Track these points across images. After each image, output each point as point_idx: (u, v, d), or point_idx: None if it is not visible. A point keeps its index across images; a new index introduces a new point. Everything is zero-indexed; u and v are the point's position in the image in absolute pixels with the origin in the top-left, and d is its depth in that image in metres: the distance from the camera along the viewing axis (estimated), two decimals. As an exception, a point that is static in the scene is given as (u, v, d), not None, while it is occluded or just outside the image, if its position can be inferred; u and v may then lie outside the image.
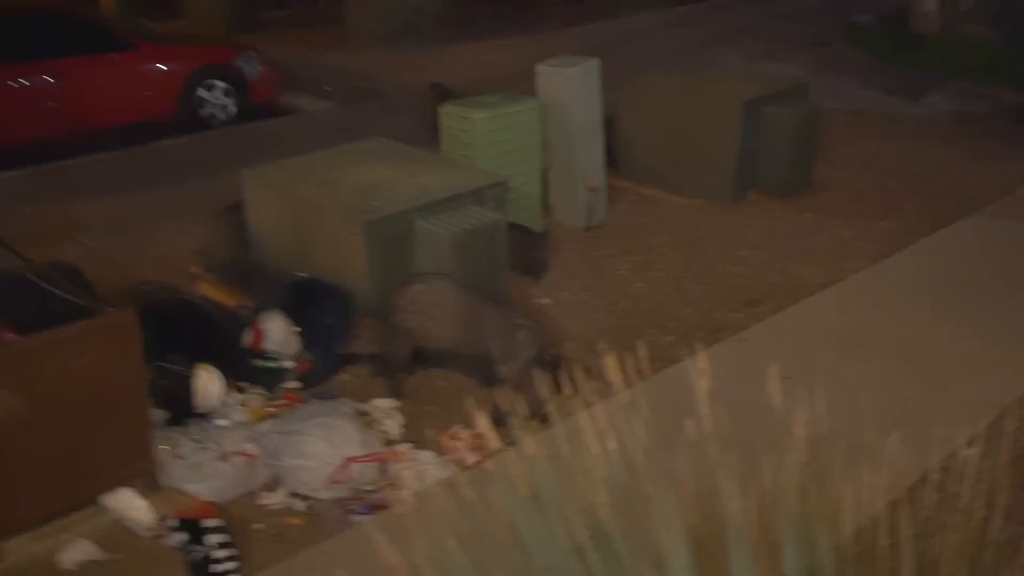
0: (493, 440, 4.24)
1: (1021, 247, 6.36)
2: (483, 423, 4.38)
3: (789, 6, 15.93)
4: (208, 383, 4.37)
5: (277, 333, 4.74)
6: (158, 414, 4.16)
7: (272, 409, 4.48)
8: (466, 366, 4.88)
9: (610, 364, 2.03)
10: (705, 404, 1.98)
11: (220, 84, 9.53)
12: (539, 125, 6.45)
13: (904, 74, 11.61)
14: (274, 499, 3.95)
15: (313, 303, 4.85)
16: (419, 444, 4.27)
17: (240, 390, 4.55)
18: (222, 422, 4.32)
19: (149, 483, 3.84)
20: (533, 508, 2.00)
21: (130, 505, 3.73)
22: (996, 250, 6.34)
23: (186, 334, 4.41)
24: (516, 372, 4.45)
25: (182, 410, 4.27)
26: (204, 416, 4.33)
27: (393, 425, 4.39)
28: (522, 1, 16.34)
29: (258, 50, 10.16)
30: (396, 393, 4.68)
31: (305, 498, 3.95)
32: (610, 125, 7.08)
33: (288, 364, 4.84)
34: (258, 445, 4.09)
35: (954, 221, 6.84)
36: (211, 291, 4.83)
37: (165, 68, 9.28)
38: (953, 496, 2.84)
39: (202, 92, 9.43)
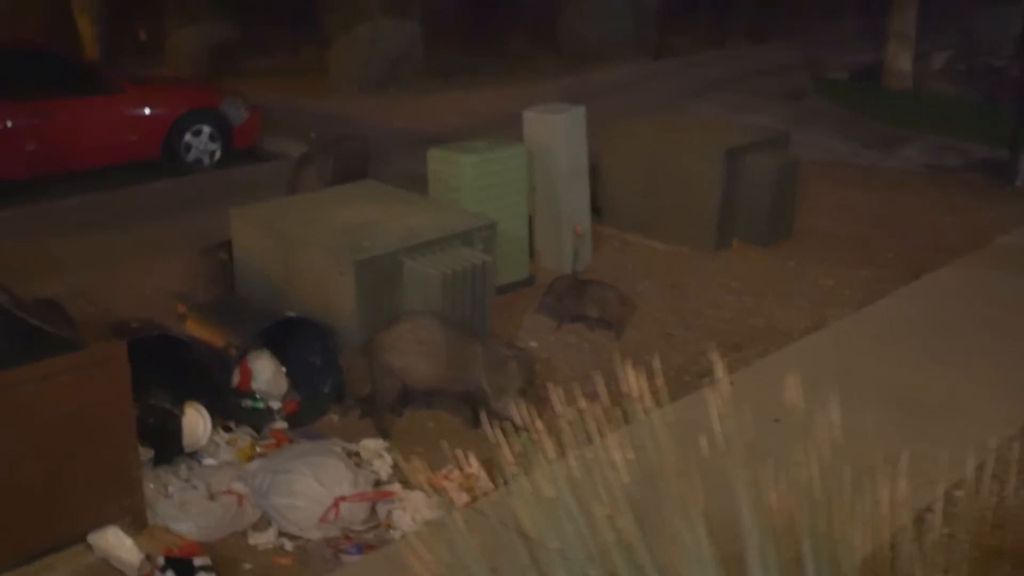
0: (484, 480, 4.21)
1: (1000, 295, 6.45)
2: (473, 463, 4.33)
3: (764, 61, 16.25)
4: (195, 421, 4.33)
5: (265, 373, 4.72)
6: (144, 452, 4.11)
7: (260, 449, 4.45)
8: (454, 404, 4.88)
9: (631, 380, 2.03)
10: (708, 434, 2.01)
11: (206, 129, 9.55)
12: (526, 170, 6.50)
13: (878, 128, 11.84)
14: (263, 539, 3.89)
15: (301, 342, 4.83)
16: (409, 484, 4.24)
17: (227, 429, 4.51)
18: (209, 461, 4.27)
19: (136, 522, 3.78)
20: (534, 544, 2.00)
21: (117, 544, 3.66)
22: (976, 298, 6.43)
23: (173, 372, 4.37)
24: (508, 405, 4.45)
25: (169, 448, 4.22)
26: (191, 455, 4.28)
27: (383, 465, 4.36)
28: (502, 52, 16.57)
29: (243, 94, 10.21)
30: (383, 433, 4.65)
31: (295, 538, 3.91)
32: (593, 172, 7.15)
33: (276, 404, 4.82)
34: (247, 484, 4.04)
35: (933, 270, 6.95)
36: (198, 330, 4.80)
37: (151, 111, 9.31)
38: (944, 538, 2.84)
39: (188, 138, 9.45)
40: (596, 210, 7.37)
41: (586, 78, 14.59)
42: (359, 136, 8.78)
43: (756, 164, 7.23)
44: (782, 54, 16.96)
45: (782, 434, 2.30)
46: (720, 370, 2.19)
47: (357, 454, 4.41)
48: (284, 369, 4.93)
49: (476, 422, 4.68)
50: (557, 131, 6.59)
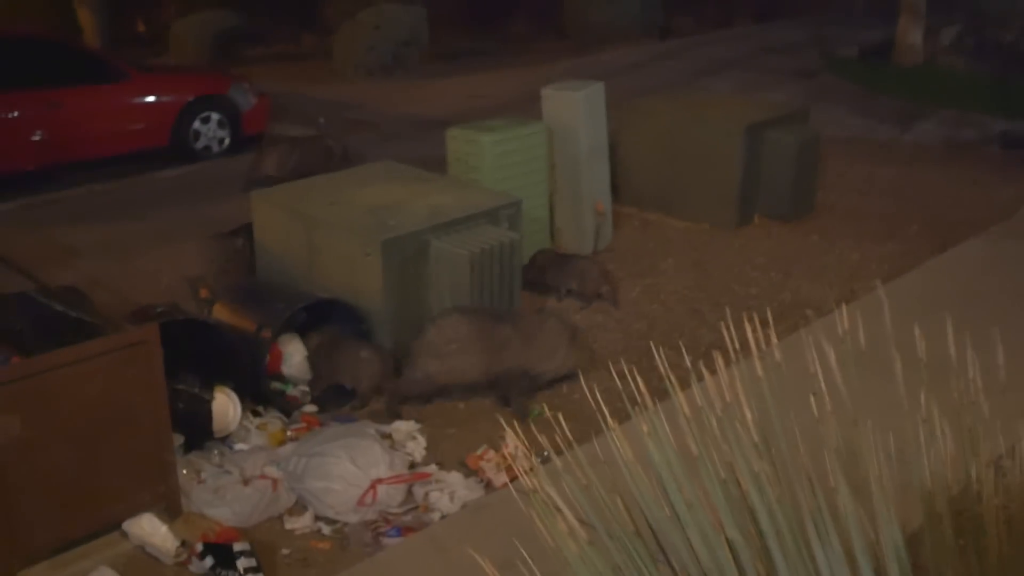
0: (522, 459, 4.13)
1: (1027, 266, 6.37)
2: (510, 443, 4.24)
3: (772, 40, 16.11)
4: (225, 406, 4.26)
5: (296, 356, 4.63)
6: (175, 438, 4.03)
7: (291, 432, 4.36)
8: (491, 390, 4.79)
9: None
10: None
11: (215, 116, 9.45)
12: (545, 149, 6.40)
13: (892, 103, 11.72)
14: (300, 523, 3.81)
15: (331, 325, 4.74)
16: (445, 465, 4.16)
17: (256, 414, 4.43)
18: (241, 446, 4.19)
19: (171, 508, 3.70)
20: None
21: (152, 531, 3.59)
22: (1005, 270, 6.33)
23: (201, 357, 4.29)
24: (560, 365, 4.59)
25: (200, 434, 4.15)
26: (222, 440, 4.20)
27: (416, 447, 4.28)
28: (507, 36, 16.44)
29: (251, 81, 10.10)
30: (393, 415, 4.56)
31: (332, 522, 3.83)
32: (611, 151, 7.05)
33: (304, 388, 4.74)
34: (280, 468, 3.96)
35: (958, 243, 6.85)
36: (226, 314, 4.71)
37: (159, 98, 9.20)
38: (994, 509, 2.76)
39: (197, 125, 9.34)
40: (615, 189, 7.27)
41: (593, 60, 14.47)
42: (325, 130, 8.66)
43: (777, 140, 7.12)
44: (790, 32, 16.82)
45: (818, 405, 2.22)
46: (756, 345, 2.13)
47: (390, 436, 4.33)
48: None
49: (507, 403, 4.62)
50: (577, 108, 6.48)
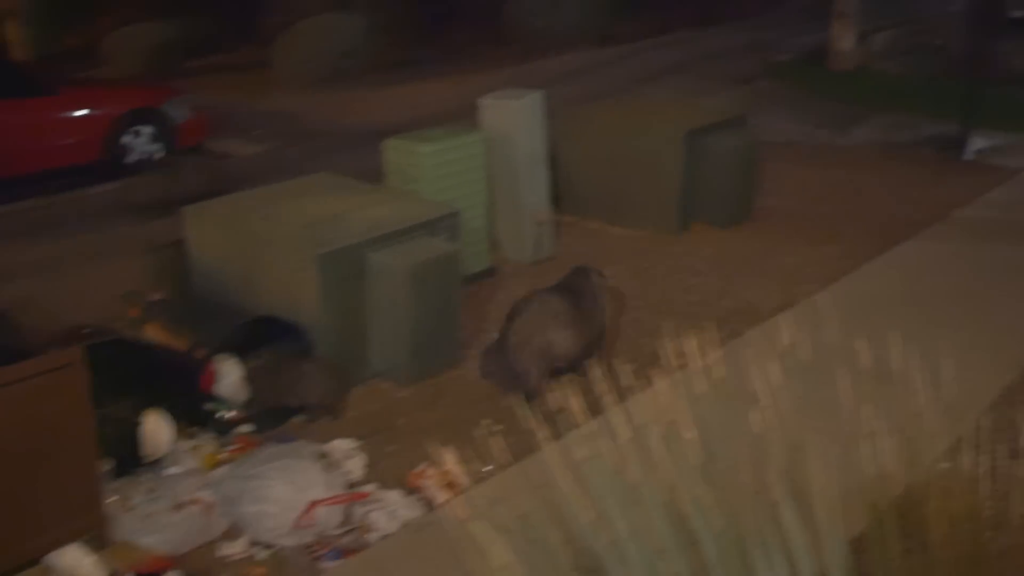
0: (462, 476, 4.05)
1: (964, 266, 6.46)
2: (450, 460, 4.17)
3: (710, 46, 16.26)
4: (157, 429, 4.12)
5: (230, 376, 4.51)
6: (104, 464, 3.90)
7: (225, 454, 4.25)
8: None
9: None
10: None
11: (147, 129, 9.25)
12: (484, 158, 6.35)
13: (829, 108, 11.88)
14: (235, 548, 3.70)
15: (270, 342, 4.63)
16: (385, 484, 4.08)
17: (190, 436, 4.30)
18: (173, 470, 4.06)
19: (98, 538, 3.57)
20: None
21: (78, 563, 3.45)
22: (941, 270, 6.43)
23: (131, 378, 4.16)
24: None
25: (129, 459, 4.01)
26: (153, 464, 4.07)
27: (355, 466, 4.19)
28: (448, 44, 16.37)
29: (186, 94, 9.91)
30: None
31: (268, 546, 3.72)
32: (551, 160, 7.02)
33: (237, 410, 4.61)
34: (214, 492, 3.85)
35: (895, 245, 6.94)
36: (158, 333, 4.59)
37: (87, 113, 8.97)
38: (938, 511, 2.76)
39: (127, 139, 9.14)
40: (556, 198, 7.25)
41: (534, 67, 14.47)
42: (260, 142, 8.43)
43: (716, 145, 7.16)
44: (727, 39, 16.99)
45: (761, 415, 2.21)
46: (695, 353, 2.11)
47: (328, 455, 4.23)
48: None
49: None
50: (515, 117, 6.45)
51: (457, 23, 17.39)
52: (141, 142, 9.27)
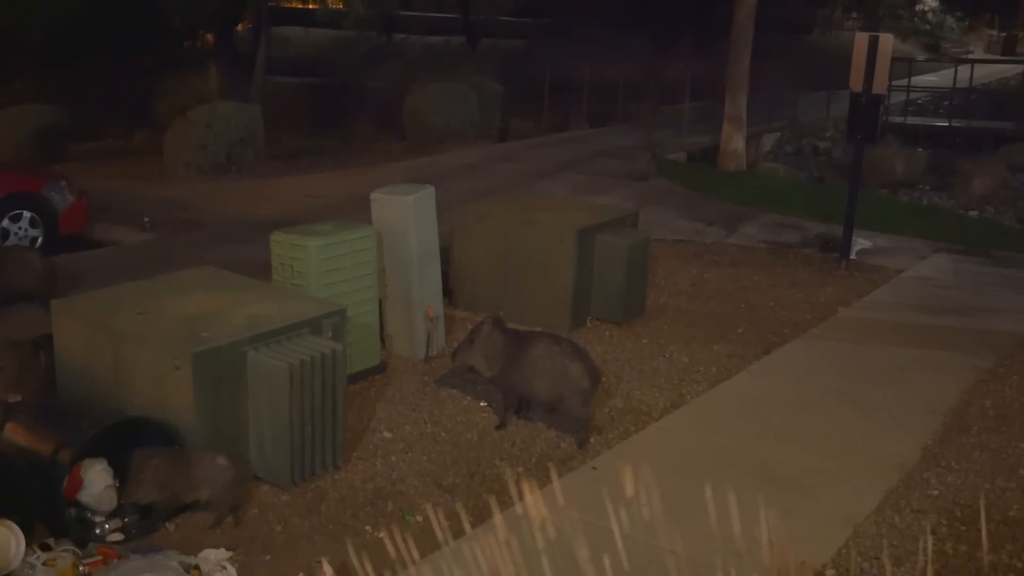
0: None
1: (848, 367, 6.59)
2: (327, 570, 3.97)
3: (605, 144, 16.66)
4: (6, 541, 3.81)
5: (97, 482, 4.23)
6: (-56, 582, 3.58)
7: (83, 568, 3.94)
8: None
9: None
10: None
11: (27, 215, 8.90)
12: (375, 253, 6.26)
13: (719, 207, 12.20)
14: (85, 676, 3.41)
15: (138, 445, 4.36)
16: (256, 599, 3.85)
17: (45, 547, 3.99)
18: (22, 587, 3.75)
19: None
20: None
21: None
22: (826, 370, 6.54)
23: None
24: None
25: (-27, 576, 3.69)
26: (1, 581, 3.76)
27: (226, 579, 3.94)
28: (346, 136, 16.40)
29: (68, 179, 9.60)
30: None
31: (123, 672, 3.44)
32: (444, 255, 6.98)
33: (101, 519, 4.32)
34: (66, 612, 3.56)
35: (783, 343, 7.06)
36: (20, 434, 4.28)
37: (-38, 196, 8.60)
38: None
39: (6, 223, 8.77)
40: (448, 293, 7.19)
41: (432, 161, 14.56)
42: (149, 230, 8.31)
43: (607, 243, 7.22)
44: (622, 137, 17.44)
45: (646, 521, 2.15)
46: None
47: (197, 567, 3.97)
48: (118, 481, 4.42)
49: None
50: (406, 212, 6.39)
51: (357, 115, 17.48)
52: (21, 227, 8.90)
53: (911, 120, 18.73)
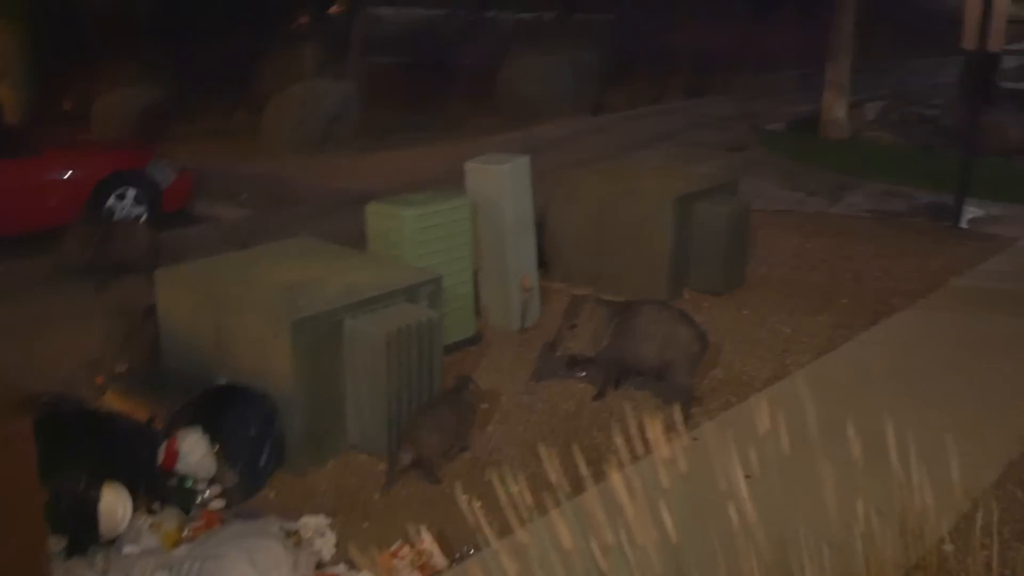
0: (438, 556, 3.81)
1: (960, 337, 6.30)
2: (426, 538, 3.93)
3: (701, 115, 16.32)
4: (114, 505, 3.89)
5: (194, 451, 4.28)
6: (57, 542, 3.67)
7: (188, 531, 4.01)
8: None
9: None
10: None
11: (131, 192, 9.13)
12: (470, 223, 6.20)
13: (820, 176, 11.83)
14: (191, 635, 3.45)
15: (234, 412, 4.41)
16: (356, 564, 3.84)
17: (151, 511, 4.07)
18: (130, 549, 3.82)
19: (43, 623, 3.32)
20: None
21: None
22: (937, 341, 6.26)
23: (89, 449, 3.94)
24: None
25: (85, 537, 3.77)
26: (110, 542, 3.83)
27: (325, 544, 3.95)
28: (439, 111, 16.41)
29: (171, 156, 9.82)
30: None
31: (226, 632, 3.47)
32: (539, 225, 6.88)
33: (203, 486, 4.38)
34: (172, 573, 3.61)
35: (891, 314, 6.78)
36: (120, 403, 4.37)
37: (71, 175, 8.85)
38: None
39: (112, 201, 9.01)
40: (543, 264, 7.10)
41: (526, 134, 14.46)
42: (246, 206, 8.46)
43: (707, 211, 7.03)
44: (719, 107, 17.08)
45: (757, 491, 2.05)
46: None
47: (297, 532, 3.99)
48: (217, 446, 4.48)
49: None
50: (501, 182, 6.31)
51: (449, 90, 17.48)
52: (125, 204, 9.14)
53: (1025, 85, 17.87)
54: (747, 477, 2.53)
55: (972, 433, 4.91)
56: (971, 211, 9.63)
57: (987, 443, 4.81)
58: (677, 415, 2.93)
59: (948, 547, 3.94)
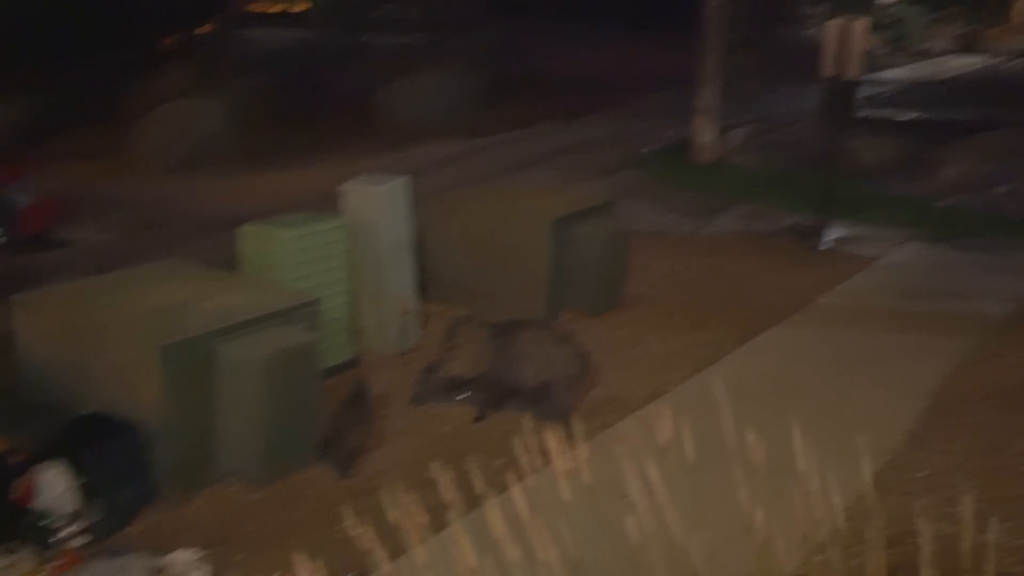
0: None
1: (827, 353, 6.53)
2: (305, 568, 3.83)
3: (576, 138, 16.54)
4: (-34, 546, 3.65)
5: (54, 485, 4.06)
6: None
7: (47, 572, 3.79)
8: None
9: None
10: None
11: (-16, 214, 8.70)
12: (346, 245, 6.12)
13: (691, 199, 12.13)
14: None
15: (100, 443, 4.21)
16: (229, 599, 3.71)
17: (9, 551, 3.83)
18: (-16, 591, 3.60)
19: None
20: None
21: None
22: (805, 357, 6.48)
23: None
24: None
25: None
26: (-39, 586, 3.60)
27: (199, 579, 3.80)
28: (315, 133, 16.18)
29: (30, 177, 9.38)
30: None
31: None
32: (418, 247, 6.84)
33: (63, 523, 4.15)
34: (29, 617, 3.41)
35: (762, 331, 6.98)
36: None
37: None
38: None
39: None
40: (422, 286, 7.05)
41: (402, 156, 14.38)
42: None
43: (584, 233, 7.12)
44: (593, 131, 17.33)
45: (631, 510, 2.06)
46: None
47: (164, 570, 3.83)
48: (82, 479, 4.25)
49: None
50: (379, 203, 6.26)
51: (325, 113, 17.27)
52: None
53: (880, 112, 18.79)
54: (623, 497, 2.56)
55: (841, 443, 5.08)
56: (833, 232, 10.03)
57: (855, 453, 4.97)
58: (557, 436, 2.93)
59: (817, 557, 4.06)
